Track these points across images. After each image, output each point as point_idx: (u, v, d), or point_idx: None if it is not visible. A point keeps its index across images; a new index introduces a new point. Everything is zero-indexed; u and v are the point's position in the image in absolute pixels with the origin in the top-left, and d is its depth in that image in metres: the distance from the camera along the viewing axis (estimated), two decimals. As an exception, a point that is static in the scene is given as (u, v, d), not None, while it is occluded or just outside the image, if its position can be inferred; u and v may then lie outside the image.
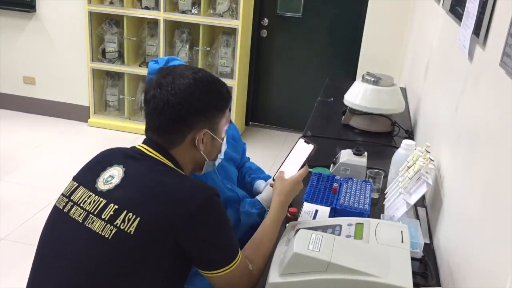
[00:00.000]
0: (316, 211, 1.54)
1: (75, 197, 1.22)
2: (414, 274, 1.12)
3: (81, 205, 1.19)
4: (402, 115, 2.51)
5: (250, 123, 4.66)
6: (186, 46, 4.18)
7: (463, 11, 1.48)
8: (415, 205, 1.57)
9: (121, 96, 4.45)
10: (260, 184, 1.89)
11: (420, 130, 2.32)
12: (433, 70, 2.19)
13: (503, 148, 0.96)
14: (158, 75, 1.26)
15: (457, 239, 1.25)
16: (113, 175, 1.21)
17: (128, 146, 1.35)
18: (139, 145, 1.29)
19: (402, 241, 1.19)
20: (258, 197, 1.74)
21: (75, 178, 1.29)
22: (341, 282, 1.06)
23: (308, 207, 1.55)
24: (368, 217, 1.54)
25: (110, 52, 4.28)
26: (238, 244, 1.25)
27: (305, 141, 1.47)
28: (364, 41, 4.09)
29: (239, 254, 1.23)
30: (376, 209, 1.69)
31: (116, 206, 1.15)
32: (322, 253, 1.08)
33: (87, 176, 1.26)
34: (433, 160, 1.51)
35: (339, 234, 1.24)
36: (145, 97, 1.26)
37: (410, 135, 2.39)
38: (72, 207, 1.20)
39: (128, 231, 1.12)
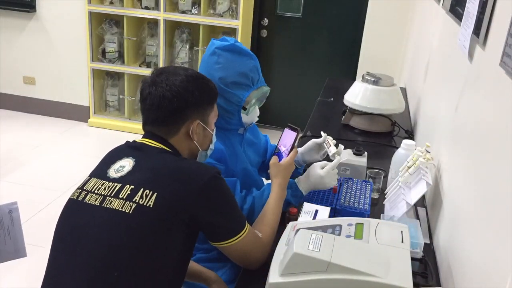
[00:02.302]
0: (316, 211, 1.54)
1: (88, 187, 1.29)
2: (414, 274, 1.12)
3: (96, 192, 1.27)
4: (402, 115, 2.51)
5: (250, 123, 4.66)
6: (186, 46, 4.18)
7: (463, 11, 1.48)
8: (415, 205, 1.58)
9: (121, 96, 4.45)
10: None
11: (420, 130, 2.32)
12: (433, 70, 2.19)
13: (503, 148, 0.96)
14: (152, 75, 1.38)
15: (457, 239, 1.25)
16: (124, 165, 1.30)
17: None
18: (140, 140, 1.38)
19: (402, 241, 1.19)
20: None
21: (89, 175, 1.36)
22: (341, 282, 1.06)
23: (308, 207, 1.55)
24: (368, 217, 1.54)
25: (110, 52, 4.28)
26: (245, 216, 1.37)
27: (290, 128, 1.58)
28: (364, 41, 4.09)
29: (246, 225, 1.33)
30: (376, 209, 1.69)
31: (132, 186, 1.24)
32: (322, 253, 1.08)
33: (98, 169, 1.35)
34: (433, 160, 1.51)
35: (339, 234, 1.24)
36: (141, 95, 1.38)
37: (410, 135, 2.39)
38: (86, 195, 1.27)
39: (148, 205, 1.20)
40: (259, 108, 1.73)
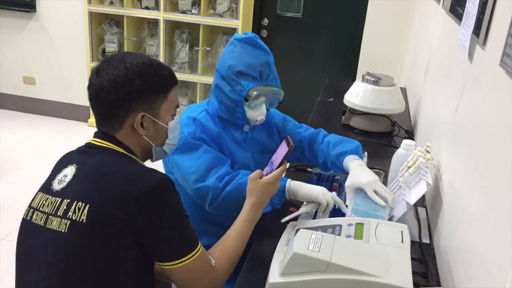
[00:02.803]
0: (316, 211, 1.54)
1: (34, 204, 1.21)
2: (414, 274, 1.12)
3: (41, 209, 1.18)
4: (402, 115, 2.51)
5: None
6: (186, 46, 4.18)
7: (463, 11, 1.48)
8: (415, 205, 1.57)
9: (121, 96, 4.45)
10: (348, 160, 1.67)
11: (420, 130, 2.32)
12: (433, 70, 2.19)
13: (503, 148, 0.96)
14: (98, 63, 1.24)
15: (457, 239, 1.25)
16: (66, 174, 1.20)
17: None
18: (91, 140, 1.27)
19: (402, 241, 1.19)
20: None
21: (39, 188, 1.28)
22: (341, 282, 1.06)
23: (308, 207, 1.55)
24: (368, 217, 1.54)
25: (110, 52, 4.28)
26: (197, 237, 1.21)
27: (286, 142, 1.39)
28: (364, 41, 4.09)
29: (199, 246, 1.19)
30: (376, 209, 1.69)
31: (68, 200, 1.13)
32: (322, 253, 1.08)
33: (46, 181, 1.25)
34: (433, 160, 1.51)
35: (339, 234, 1.24)
36: (88, 86, 1.25)
37: (410, 135, 2.39)
38: (33, 213, 1.19)
39: (80, 220, 1.10)
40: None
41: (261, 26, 4.42)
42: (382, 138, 2.34)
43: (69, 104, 4.58)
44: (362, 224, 1.27)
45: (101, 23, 4.25)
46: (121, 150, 1.23)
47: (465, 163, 1.28)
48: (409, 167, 1.55)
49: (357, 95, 2.38)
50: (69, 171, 1.20)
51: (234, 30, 4.00)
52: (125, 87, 1.20)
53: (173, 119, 1.31)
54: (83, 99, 4.51)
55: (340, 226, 1.28)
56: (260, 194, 1.34)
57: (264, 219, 1.65)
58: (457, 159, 1.39)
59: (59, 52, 4.45)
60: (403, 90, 3.18)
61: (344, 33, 4.31)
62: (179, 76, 4.15)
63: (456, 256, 1.23)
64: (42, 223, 1.16)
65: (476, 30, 1.28)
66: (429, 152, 1.54)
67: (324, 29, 4.34)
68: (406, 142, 1.72)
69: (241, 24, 3.93)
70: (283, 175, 1.41)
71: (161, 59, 4.16)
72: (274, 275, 1.14)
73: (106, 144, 1.23)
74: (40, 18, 4.38)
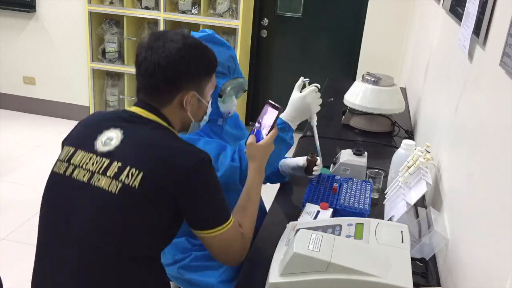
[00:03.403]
0: (318, 212, 1.54)
1: (75, 161, 1.25)
2: (414, 274, 1.12)
3: (84, 166, 1.23)
4: (402, 115, 2.51)
5: (250, 123, 4.66)
6: (186, 46, 4.18)
7: (463, 11, 1.48)
8: (415, 205, 1.57)
9: (121, 96, 4.45)
10: (284, 162, 1.81)
11: (420, 130, 2.32)
12: (433, 70, 2.19)
13: (503, 148, 0.96)
14: (149, 39, 1.30)
15: (457, 239, 1.25)
16: (111, 137, 1.25)
17: None
18: (132, 108, 1.33)
19: (402, 241, 1.19)
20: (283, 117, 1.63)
21: (68, 143, 1.31)
22: (341, 282, 1.06)
23: (309, 208, 1.55)
24: (368, 217, 1.54)
25: (110, 52, 4.28)
26: (231, 209, 1.32)
27: (271, 106, 1.47)
28: (364, 41, 4.09)
29: (231, 217, 1.29)
30: (376, 209, 1.69)
31: (119, 164, 1.20)
32: (322, 253, 1.08)
33: (83, 139, 1.29)
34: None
35: (339, 234, 1.24)
36: (137, 59, 1.30)
37: (410, 135, 2.39)
38: (74, 170, 1.24)
39: (133, 185, 1.17)
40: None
41: (261, 26, 4.42)
42: (382, 138, 2.34)
43: (69, 104, 4.58)
44: (362, 224, 1.27)
45: (101, 23, 4.25)
46: (166, 124, 1.31)
47: (465, 163, 1.28)
48: (409, 167, 1.55)
49: (357, 95, 2.38)
50: (115, 135, 1.25)
51: (234, 30, 4.00)
52: (182, 68, 1.28)
53: (211, 98, 1.42)
54: (83, 99, 4.51)
55: (340, 226, 1.28)
56: (261, 157, 1.44)
57: (265, 219, 1.65)
58: (457, 159, 1.39)
59: (59, 52, 4.45)
60: (403, 90, 3.18)
61: (344, 33, 4.31)
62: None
63: (456, 256, 1.23)
64: (85, 179, 1.21)
65: (476, 30, 1.28)
66: (429, 152, 1.54)
67: (324, 29, 4.34)
68: (406, 142, 1.72)
69: (241, 24, 3.93)
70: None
71: (161, 59, 4.15)
72: (274, 275, 1.14)
73: (149, 116, 1.29)
74: (40, 18, 4.38)
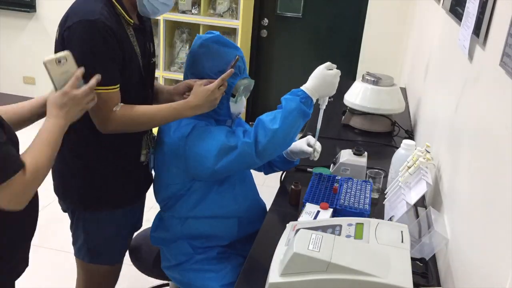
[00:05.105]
0: (318, 212, 1.54)
1: None
2: (414, 274, 1.12)
3: None
4: (402, 115, 2.51)
5: (250, 123, 4.66)
6: (186, 46, 4.18)
7: (463, 11, 1.48)
8: (415, 205, 1.57)
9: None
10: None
11: (420, 130, 2.32)
12: (433, 70, 2.19)
13: (503, 148, 0.96)
14: None
15: (457, 239, 1.25)
16: None
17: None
18: None
19: (402, 241, 1.19)
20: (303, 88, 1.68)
21: None
22: (341, 282, 1.06)
23: (309, 208, 1.55)
24: (368, 217, 1.54)
25: (110, 52, 4.27)
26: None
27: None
28: (364, 41, 4.09)
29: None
30: (376, 209, 1.69)
31: None
32: (322, 253, 1.08)
33: None
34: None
35: (339, 234, 1.24)
36: None
37: (410, 135, 2.39)
38: None
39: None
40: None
41: (261, 26, 4.42)
42: (382, 138, 2.34)
43: (69, 104, 4.58)
44: (362, 224, 1.27)
45: (101, 23, 4.24)
46: None
47: (465, 163, 1.28)
48: (409, 167, 1.55)
49: (357, 95, 2.38)
50: None
51: (234, 30, 4.00)
52: None
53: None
54: (83, 99, 4.51)
55: (340, 226, 1.28)
56: (199, 97, 1.52)
57: (264, 219, 1.65)
58: (457, 159, 1.39)
59: (59, 52, 4.44)
60: (403, 90, 3.18)
61: (344, 33, 4.31)
62: (180, 76, 4.16)
63: (456, 256, 1.23)
64: None
65: (476, 30, 1.28)
66: (429, 152, 1.54)
67: (324, 29, 4.34)
68: (406, 142, 1.72)
69: (241, 24, 3.93)
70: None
71: (161, 59, 4.16)
72: (274, 275, 1.14)
73: None
74: (40, 18, 4.38)
